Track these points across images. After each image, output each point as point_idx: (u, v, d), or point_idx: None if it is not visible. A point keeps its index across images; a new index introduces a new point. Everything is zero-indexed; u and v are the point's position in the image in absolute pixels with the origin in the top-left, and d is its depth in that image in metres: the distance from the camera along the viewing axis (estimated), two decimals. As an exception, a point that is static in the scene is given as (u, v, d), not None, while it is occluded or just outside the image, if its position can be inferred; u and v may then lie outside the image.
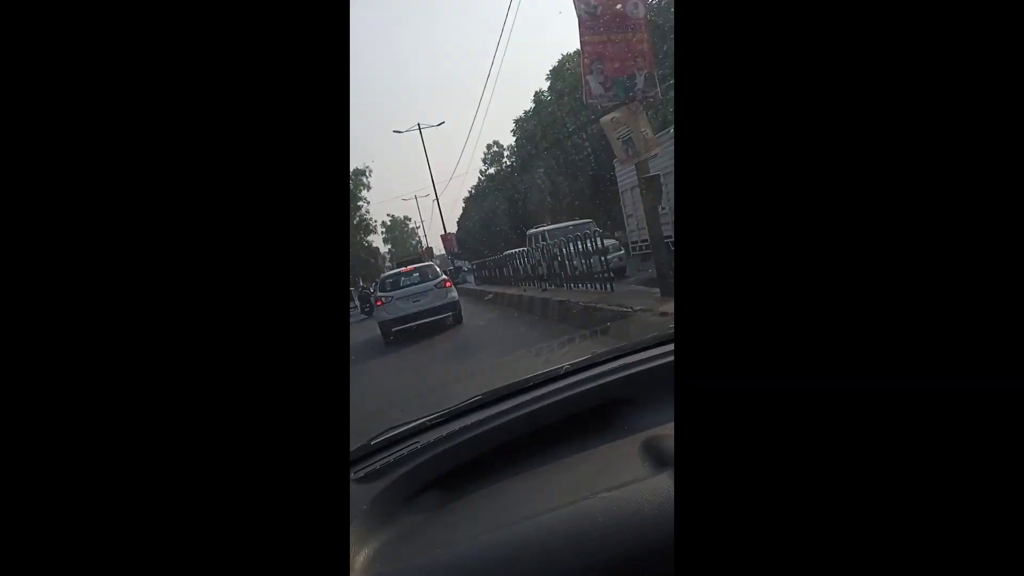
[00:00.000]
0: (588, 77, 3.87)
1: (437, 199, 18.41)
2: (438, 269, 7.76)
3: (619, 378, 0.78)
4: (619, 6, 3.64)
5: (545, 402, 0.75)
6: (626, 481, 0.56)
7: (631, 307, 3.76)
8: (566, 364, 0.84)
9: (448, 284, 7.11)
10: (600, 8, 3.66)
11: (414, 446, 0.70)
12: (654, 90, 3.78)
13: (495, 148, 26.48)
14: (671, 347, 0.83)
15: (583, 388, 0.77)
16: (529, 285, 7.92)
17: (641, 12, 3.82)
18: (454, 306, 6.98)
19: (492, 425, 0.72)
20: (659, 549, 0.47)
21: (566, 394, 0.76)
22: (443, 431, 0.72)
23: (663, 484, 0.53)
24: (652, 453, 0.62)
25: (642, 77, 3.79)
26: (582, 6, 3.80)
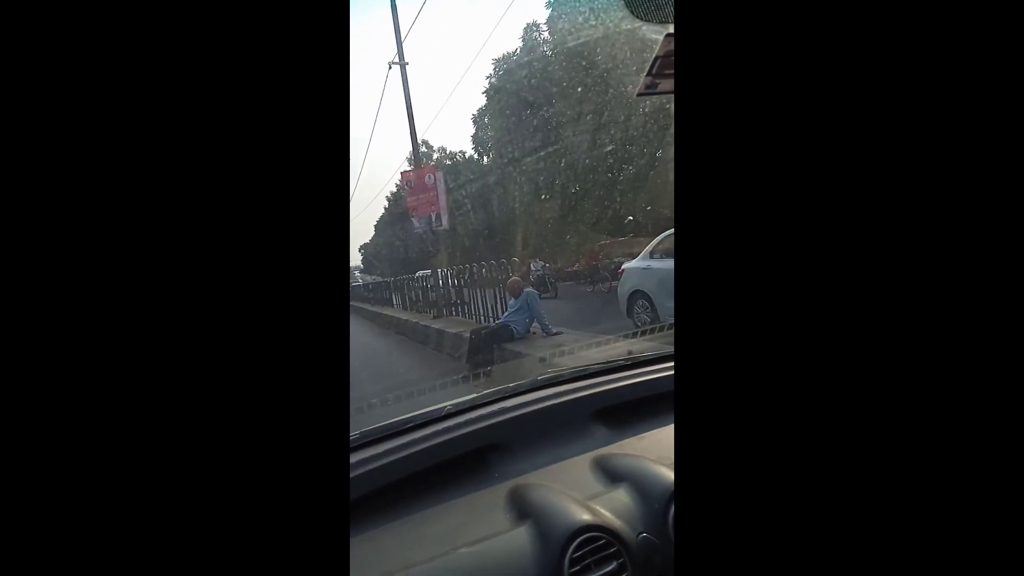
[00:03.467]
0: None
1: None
2: None
3: (494, 423, 0.81)
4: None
5: (422, 446, 0.76)
6: (488, 534, 0.59)
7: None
8: (448, 405, 0.86)
9: None
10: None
11: None
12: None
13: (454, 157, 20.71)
14: (546, 392, 0.89)
15: (460, 432, 0.79)
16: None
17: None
18: None
19: (366, 469, 0.71)
20: None
21: (444, 438, 0.78)
22: None
23: (520, 538, 0.57)
24: (515, 503, 0.65)
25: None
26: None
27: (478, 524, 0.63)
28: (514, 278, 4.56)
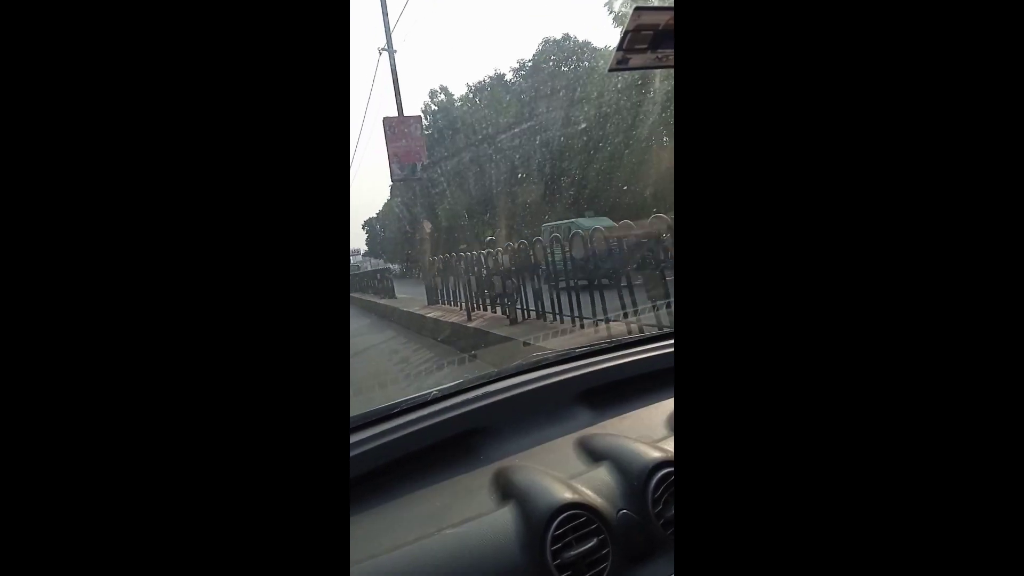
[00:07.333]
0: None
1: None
2: None
3: (480, 407, 0.83)
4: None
5: (408, 430, 0.78)
6: (472, 515, 0.61)
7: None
8: (434, 391, 0.88)
9: None
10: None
11: None
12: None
13: (441, 96, 17.64)
14: (531, 375, 0.91)
15: (446, 416, 0.80)
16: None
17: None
18: None
19: (353, 453, 0.73)
20: None
21: (430, 422, 0.79)
22: None
23: (503, 518, 0.59)
24: (499, 485, 0.67)
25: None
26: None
27: (463, 506, 0.64)
28: None
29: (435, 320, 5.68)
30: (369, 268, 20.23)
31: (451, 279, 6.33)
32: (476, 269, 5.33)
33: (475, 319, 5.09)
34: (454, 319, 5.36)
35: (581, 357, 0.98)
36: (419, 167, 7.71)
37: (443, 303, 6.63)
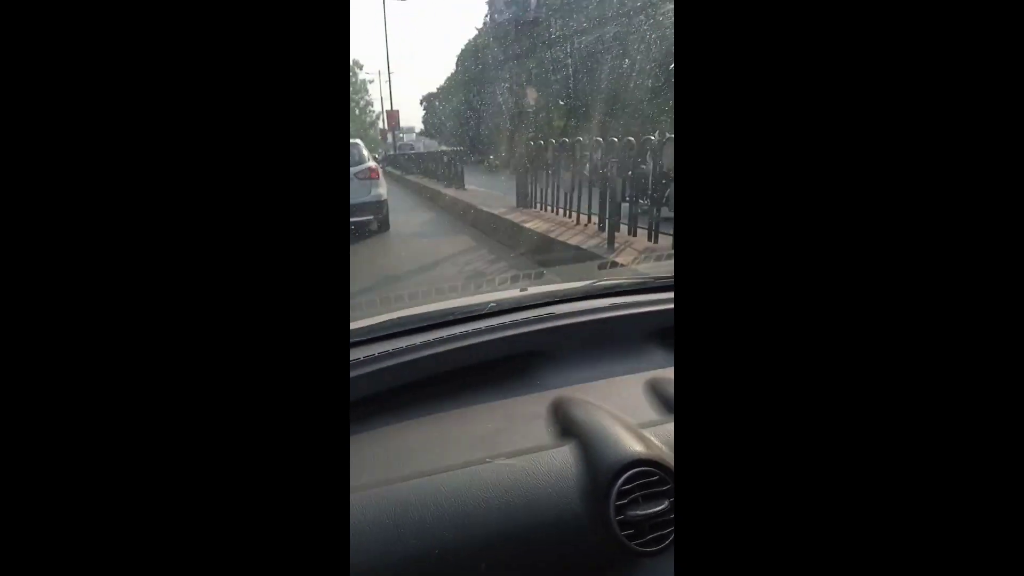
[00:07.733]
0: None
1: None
2: (364, 151, 5.49)
3: (542, 328, 0.78)
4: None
5: (461, 343, 0.74)
6: (527, 448, 0.57)
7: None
8: (492, 303, 0.83)
9: (374, 175, 5.35)
10: None
11: None
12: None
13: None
14: (601, 302, 0.85)
15: (505, 333, 0.76)
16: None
17: None
18: (378, 207, 5.29)
19: (399, 360, 0.71)
20: (550, 527, 0.50)
21: (487, 336, 0.75)
22: None
23: (563, 459, 0.55)
24: (559, 417, 0.63)
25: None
26: None
27: (517, 433, 0.61)
28: None
29: (542, 237, 3.88)
30: (422, 149, 18.75)
31: (568, 178, 4.46)
32: (635, 166, 3.38)
33: (620, 247, 3.34)
34: (576, 240, 3.61)
35: (658, 290, 0.90)
36: (533, 5, 5.87)
37: (543, 209, 5.02)
